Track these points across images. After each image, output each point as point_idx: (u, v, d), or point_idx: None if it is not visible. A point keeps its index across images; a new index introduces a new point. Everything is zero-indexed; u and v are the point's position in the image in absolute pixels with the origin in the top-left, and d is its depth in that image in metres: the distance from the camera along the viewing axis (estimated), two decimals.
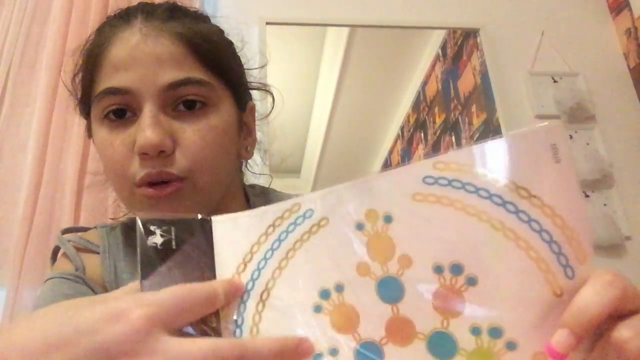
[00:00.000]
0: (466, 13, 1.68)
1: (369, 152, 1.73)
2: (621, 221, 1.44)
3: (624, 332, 0.27)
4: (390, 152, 1.72)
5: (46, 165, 1.31)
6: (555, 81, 1.59)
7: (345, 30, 1.62)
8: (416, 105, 1.70)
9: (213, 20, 0.60)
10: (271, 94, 0.68)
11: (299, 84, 1.66)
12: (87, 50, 0.55)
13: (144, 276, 0.32)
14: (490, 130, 1.51)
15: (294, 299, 0.32)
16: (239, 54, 0.60)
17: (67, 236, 0.58)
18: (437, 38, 1.70)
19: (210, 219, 0.35)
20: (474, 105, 1.57)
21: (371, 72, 1.71)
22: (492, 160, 0.30)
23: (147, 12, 0.53)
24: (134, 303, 0.27)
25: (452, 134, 1.59)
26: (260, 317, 0.33)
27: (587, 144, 1.52)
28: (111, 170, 0.51)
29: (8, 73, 1.41)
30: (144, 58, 0.49)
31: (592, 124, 1.56)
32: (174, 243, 0.33)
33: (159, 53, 0.49)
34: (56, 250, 0.59)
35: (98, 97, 0.51)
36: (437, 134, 1.62)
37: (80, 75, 0.56)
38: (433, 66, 1.69)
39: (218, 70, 0.53)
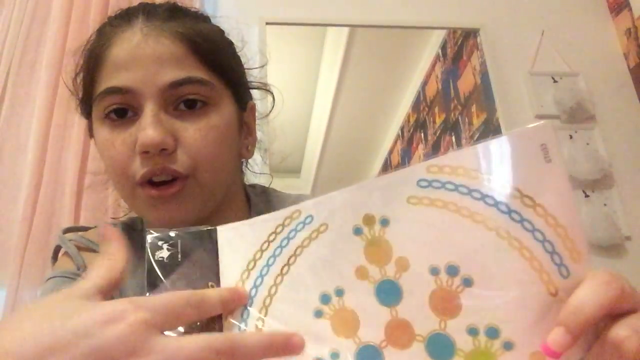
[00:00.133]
0: (466, 13, 1.68)
1: (369, 152, 1.73)
2: (621, 221, 1.44)
3: (620, 331, 0.27)
4: (390, 152, 1.72)
5: (46, 165, 1.31)
6: (555, 81, 1.59)
7: (345, 30, 1.62)
8: (416, 105, 1.70)
9: (213, 20, 0.60)
10: (271, 93, 0.68)
11: (299, 84, 1.66)
12: (88, 51, 0.55)
13: (150, 290, 0.33)
14: (491, 130, 1.51)
15: (295, 304, 0.33)
16: (239, 54, 0.60)
17: (69, 235, 0.58)
18: (437, 38, 1.70)
19: (216, 229, 0.36)
20: (474, 105, 1.57)
21: (371, 72, 1.71)
22: (484, 162, 0.30)
23: (147, 12, 0.53)
24: (129, 306, 0.27)
25: (452, 134, 1.59)
26: (263, 323, 0.33)
27: (587, 144, 1.52)
28: (112, 170, 0.51)
29: (8, 73, 1.41)
30: (145, 57, 0.49)
31: (592, 124, 1.56)
32: (179, 256, 0.34)
33: (160, 52, 0.50)
34: (57, 250, 0.59)
35: (99, 97, 0.51)
36: (437, 134, 1.62)
37: (81, 75, 0.57)
38: (433, 66, 1.70)
39: (218, 69, 0.53)
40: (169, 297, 0.29)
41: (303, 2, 1.64)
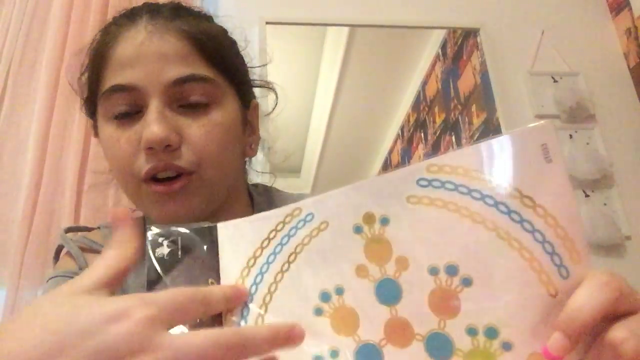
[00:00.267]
0: (466, 13, 1.68)
1: (369, 152, 1.73)
2: (621, 221, 1.44)
3: (618, 333, 0.27)
4: (390, 152, 1.72)
5: (46, 164, 1.31)
6: (555, 81, 1.59)
7: (345, 30, 1.62)
8: (416, 105, 1.70)
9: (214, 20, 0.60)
10: (274, 91, 0.69)
11: (299, 84, 1.66)
12: (93, 50, 0.55)
13: (150, 287, 0.33)
14: (491, 130, 1.51)
15: (295, 302, 0.33)
16: (242, 53, 0.61)
17: (71, 235, 0.58)
18: (437, 38, 1.70)
19: (216, 226, 0.36)
20: (474, 105, 1.57)
21: (371, 72, 1.71)
22: (484, 162, 0.30)
23: (152, 11, 0.54)
24: (134, 302, 0.27)
25: (452, 133, 1.59)
26: (263, 320, 0.33)
27: (587, 143, 1.52)
28: (117, 167, 0.52)
29: (8, 72, 1.41)
30: (150, 55, 0.50)
31: (592, 123, 1.56)
32: (180, 253, 0.34)
33: (165, 50, 0.50)
34: (59, 250, 0.59)
35: (104, 95, 0.51)
36: (437, 134, 1.62)
37: (86, 74, 0.57)
38: (433, 66, 1.70)
39: (222, 67, 0.54)
40: (174, 293, 0.29)
41: (303, 2, 1.64)
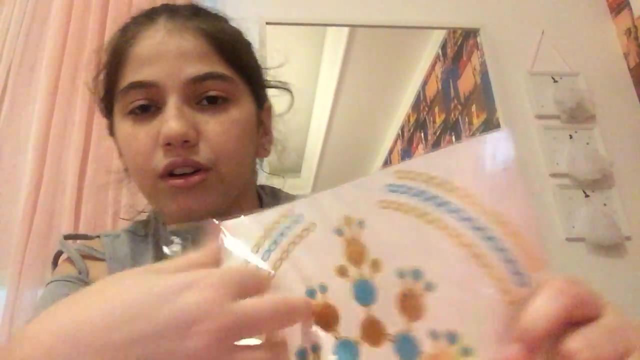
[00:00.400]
0: (466, 13, 1.68)
1: (369, 152, 1.73)
2: (621, 221, 1.44)
3: (573, 343, 0.27)
4: (391, 152, 1.72)
5: (46, 165, 1.31)
6: (555, 81, 1.59)
7: (345, 30, 1.62)
8: (416, 105, 1.70)
9: None
10: (290, 92, 0.70)
11: (299, 84, 1.66)
12: (111, 48, 0.56)
13: None
14: (491, 130, 1.51)
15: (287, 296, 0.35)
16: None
17: (70, 243, 0.59)
18: (437, 38, 1.70)
19: (219, 223, 0.37)
20: (474, 105, 1.57)
21: (371, 72, 1.71)
22: (444, 169, 0.31)
23: (171, 10, 0.55)
24: (203, 275, 0.29)
25: (452, 133, 1.59)
26: None
27: (587, 143, 1.52)
28: (134, 163, 0.52)
29: (8, 73, 1.41)
30: (169, 53, 0.51)
31: (592, 123, 1.56)
32: (186, 250, 0.36)
33: (183, 48, 0.51)
34: (57, 256, 0.60)
35: (123, 92, 0.52)
36: (437, 134, 1.62)
37: (103, 73, 0.58)
38: (433, 66, 1.70)
39: (239, 67, 0.55)
40: (237, 270, 0.31)
41: (303, 2, 1.64)
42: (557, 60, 1.61)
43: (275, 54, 0.70)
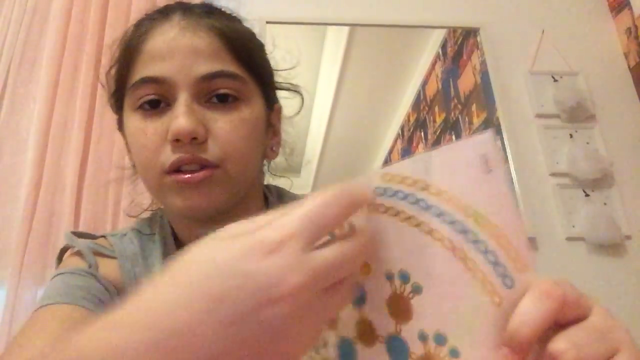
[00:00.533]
0: (466, 12, 1.68)
1: (369, 151, 1.73)
2: (621, 220, 1.44)
3: (559, 344, 0.27)
4: (391, 152, 1.72)
5: (46, 164, 1.31)
6: (555, 80, 1.59)
7: (346, 29, 1.62)
8: (416, 105, 1.70)
9: None
10: (300, 94, 0.69)
11: (298, 84, 1.66)
12: (124, 43, 0.56)
13: None
14: (491, 129, 1.51)
15: None
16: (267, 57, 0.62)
17: (80, 239, 0.58)
18: (437, 37, 1.70)
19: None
20: (474, 105, 1.57)
21: (371, 71, 1.71)
22: (428, 172, 0.31)
23: (185, 8, 0.55)
24: (271, 234, 0.27)
25: (453, 133, 1.59)
26: None
27: (587, 143, 1.52)
28: (142, 158, 0.52)
29: (8, 71, 1.41)
30: (181, 49, 0.51)
31: (592, 123, 1.56)
32: None
33: (196, 45, 0.51)
34: (63, 252, 0.59)
35: (134, 87, 0.52)
36: (437, 133, 1.62)
37: (115, 68, 0.58)
38: (433, 65, 1.69)
39: (251, 67, 0.55)
40: (302, 215, 0.28)
41: (303, 1, 1.64)
42: (557, 60, 1.61)
43: (284, 54, 0.69)
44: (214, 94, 0.51)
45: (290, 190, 0.68)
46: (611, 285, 1.37)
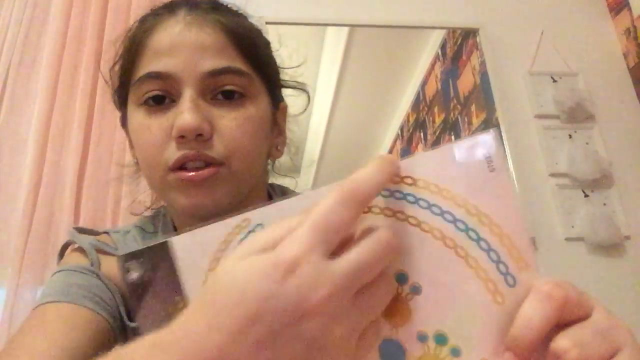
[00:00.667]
0: (466, 13, 1.68)
1: (368, 151, 1.73)
2: (621, 221, 1.44)
3: (562, 342, 0.27)
4: (390, 152, 1.72)
5: (46, 164, 1.31)
6: (554, 81, 1.59)
7: (345, 29, 1.62)
8: (416, 105, 1.70)
9: None
10: (307, 92, 0.69)
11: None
12: (129, 38, 0.55)
13: (135, 311, 0.33)
14: (490, 129, 1.51)
15: None
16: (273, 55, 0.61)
17: (82, 236, 0.57)
18: (436, 38, 1.70)
19: (171, 240, 0.34)
20: (474, 105, 1.57)
21: (371, 71, 1.71)
22: (430, 171, 0.31)
23: (191, 4, 0.54)
24: (288, 250, 0.27)
25: (452, 133, 1.60)
26: None
27: (587, 143, 1.53)
28: (146, 155, 0.51)
29: (8, 71, 1.41)
30: (187, 45, 0.50)
31: (592, 123, 1.56)
32: (146, 274, 0.33)
33: (202, 41, 0.51)
34: (65, 248, 0.58)
35: (138, 82, 0.51)
36: (437, 134, 1.62)
37: (119, 63, 0.57)
38: (433, 66, 1.70)
39: (257, 64, 0.54)
40: (313, 223, 0.27)
41: (303, 2, 1.64)
42: (557, 60, 1.61)
43: (290, 52, 0.69)
44: (219, 91, 0.51)
45: (295, 190, 0.67)
46: (610, 285, 1.37)
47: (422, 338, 0.30)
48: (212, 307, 0.27)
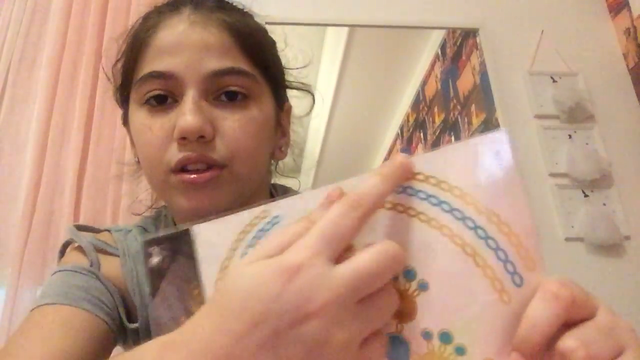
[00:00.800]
0: (465, 13, 1.68)
1: (368, 151, 1.73)
2: (620, 221, 1.44)
3: (569, 342, 0.27)
4: (390, 152, 1.72)
5: (45, 164, 1.31)
6: (554, 81, 1.59)
7: (345, 30, 1.62)
8: (416, 105, 1.70)
9: None
10: (312, 94, 0.68)
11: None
12: (132, 36, 0.55)
13: (153, 295, 0.35)
14: (490, 129, 1.51)
15: None
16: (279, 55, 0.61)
17: (82, 234, 0.57)
18: (436, 38, 1.70)
19: (192, 228, 0.35)
20: (474, 105, 1.57)
21: (371, 72, 1.71)
22: (440, 169, 0.31)
23: (196, 2, 0.54)
24: (294, 255, 0.28)
25: (452, 133, 1.60)
26: None
27: (587, 143, 1.53)
28: (147, 155, 0.51)
29: (8, 71, 1.41)
30: (191, 44, 0.50)
31: (591, 123, 1.56)
32: (167, 260, 0.35)
33: (206, 40, 0.50)
34: (65, 247, 0.58)
35: (140, 81, 0.51)
36: (437, 134, 1.62)
37: (122, 61, 0.56)
38: (432, 66, 1.70)
39: (262, 64, 0.53)
40: (318, 231, 0.29)
41: (303, 2, 1.64)
42: (557, 60, 1.61)
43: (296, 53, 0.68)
44: (223, 92, 0.50)
45: (298, 191, 0.67)
46: (610, 285, 1.37)
47: (427, 335, 0.30)
48: (220, 310, 0.28)
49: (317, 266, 0.27)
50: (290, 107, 0.62)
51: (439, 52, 1.69)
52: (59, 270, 0.52)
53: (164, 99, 0.50)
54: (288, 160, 0.63)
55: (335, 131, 1.66)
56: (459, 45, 1.66)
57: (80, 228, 0.58)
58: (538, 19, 1.67)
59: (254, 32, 0.55)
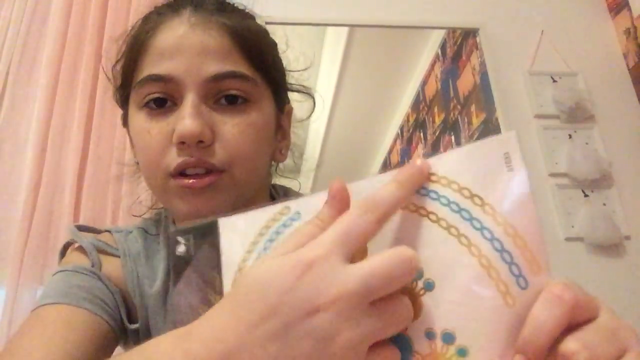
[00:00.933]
0: (465, 13, 1.68)
1: (368, 151, 1.74)
2: (620, 221, 1.44)
3: (571, 345, 0.27)
4: (390, 152, 1.72)
5: (45, 165, 1.31)
6: (554, 81, 1.59)
7: (345, 29, 1.62)
8: (416, 105, 1.70)
9: None
10: (312, 97, 0.68)
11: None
12: (132, 37, 0.54)
13: (175, 283, 0.36)
14: (490, 129, 1.52)
15: None
16: (280, 56, 0.60)
17: (83, 234, 0.57)
18: (436, 38, 1.70)
19: (218, 220, 0.36)
20: (474, 105, 1.57)
21: (371, 71, 1.71)
22: (451, 170, 0.31)
23: (196, 3, 0.53)
24: (310, 251, 0.28)
25: (452, 133, 1.60)
26: None
27: (586, 143, 1.53)
28: (146, 159, 0.51)
29: (8, 71, 1.41)
30: (191, 47, 0.49)
31: (591, 123, 1.56)
32: (192, 249, 0.37)
33: (206, 44, 0.50)
34: (67, 246, 0.58)
35: (140, 84, 0.50)
36: (437, 134, 1.62)
37: (121, 62, 0.56)
38: (432, 66, 1.70)
39: (262, 67, 0.53)
40: (337, 227, 0.29)
41: (303, 2, 1.64)
42: (557, 60, 1.61)
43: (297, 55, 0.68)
44: (222, 95, 0.50)
45: (299, 191, 0.67)
46: (610, 285, 1.37)
47: (430, 335, 0.30)
48: (235, 301, 0.29)
49: (331, 262, 0.28)
50: (291, 109, 0.62)
51: (439, 52, 1.70)
52: (60, 271, 0.52)
53: (164, 102, 0.50)
54: (288, 161, 0.63)
55: (335, 131, 1.66)
56: (459, 45, 1.66)
57: (81, 228, 0.58)
58: (538, 19, 1.67)
59: (254, 34, 0.54)
